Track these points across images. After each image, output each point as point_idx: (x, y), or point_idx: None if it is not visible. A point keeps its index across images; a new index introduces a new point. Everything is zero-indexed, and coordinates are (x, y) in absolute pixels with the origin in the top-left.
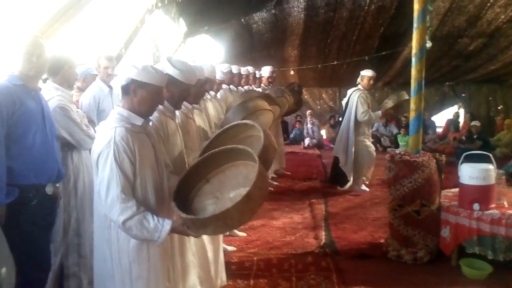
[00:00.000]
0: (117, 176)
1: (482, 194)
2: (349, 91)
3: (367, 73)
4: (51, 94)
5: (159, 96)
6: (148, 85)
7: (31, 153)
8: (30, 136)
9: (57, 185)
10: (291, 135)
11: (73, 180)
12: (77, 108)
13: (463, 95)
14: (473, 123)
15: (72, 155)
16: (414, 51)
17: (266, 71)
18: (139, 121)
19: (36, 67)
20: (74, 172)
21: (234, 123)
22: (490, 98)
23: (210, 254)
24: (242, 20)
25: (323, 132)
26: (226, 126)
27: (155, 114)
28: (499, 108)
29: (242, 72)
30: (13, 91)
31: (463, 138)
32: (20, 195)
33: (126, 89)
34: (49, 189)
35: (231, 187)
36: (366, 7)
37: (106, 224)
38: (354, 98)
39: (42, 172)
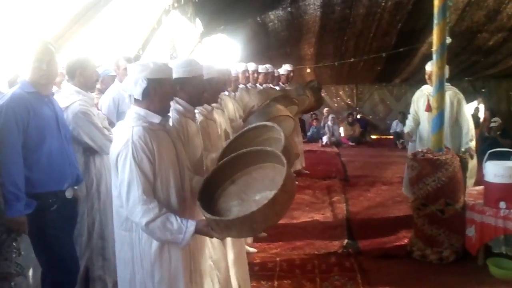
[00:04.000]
0: (137, 177)
1: (509, 192)
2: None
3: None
4: (72, 98)
5: (173, 88)
6: (165, 80)
7: (49, 161)
8: (46, 144)
9: (76, 187)
10: (308, 133)
11: (95, 184)
12: (98, 109)
13: (482, 90)
14: (493, 121)
15: (94, 159)
16: (434, 47)
17: (284, 69)
18: (157, 119)
19: (47, 75)
20: (97, 177)
21: (254, 125)
22: (511, 93)
23: (231, 257)
24: (258, 18)
25: (341, 130)
26: (245, 128)
27: (175, 115)
28: None
29: (260, 70)
30: (27, 99)
31: (486, 134)
32: (39, 202)
33: (147, 91)
34: (68, 193)
35: (257, 189)
36: (383, 3)
37: (128, 226)
38: None
39: (60, 179)
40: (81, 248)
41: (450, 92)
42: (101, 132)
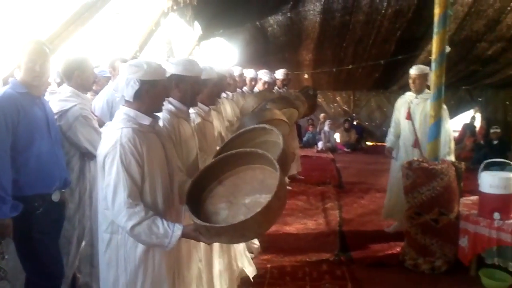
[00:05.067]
0: (124, 180)
1: (503, 203)
2: None
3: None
4: (72, 101)
5: (167, 89)
6: (158, 82)
7: (37, 163)
8: (35, 146)
9: (63, 190)
10: (304, 139)
11: (89, 190)
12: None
13: (479, 99)
14: (493, 129)
15: (90, 165)
16: (434, 56)
17: (280, 73)
18: (147, 120)
19: (40, 76)
20: (91, 183)
21: (252, 126)
22: (507, 103)
23: (217, 266)
24: (257, 23)
25: (337, 136)
26: (242, 130)
27: (167, 116)
28: None
29: (251, 76)
30: (17, 100)
31: (481, 142)
32: (25, 205)
33: (139, 93)
34: (55, 197)
35: (246, 192)
36: (383, 11)
37: (113, 229)
38: None
39: (48, 182)
40: (69, 255)
41: None
42: (101, 137)
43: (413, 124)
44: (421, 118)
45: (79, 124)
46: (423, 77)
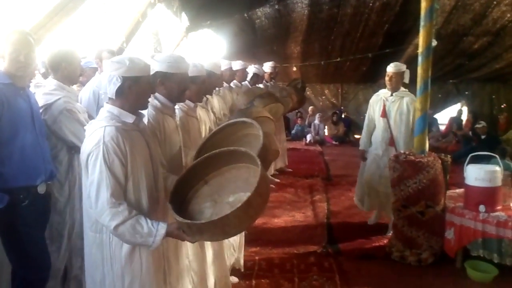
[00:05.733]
0: (107, 179)
1: (488, 196)
2: None
3: None
4: (56, 94)
5: (151, 86)
6: (142, 78)
7: (22, 155)
8: (20, 137)
9: (49, 182)
10: (293, 131)
11: (78, 182)
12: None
13: (466, 93)
14: (479, 124)
15: (78, 157)
16: (420, 49)
17: (267, 66)
18: (130, 118)
19: (24, 67)
20: (80, 175)
21: (232, 121)
22: (493, 97)
23: (209, 256)
24: (245, 15)
25: (325, 129)
26: (223, 124)
27: (152, 112)
28: (502, 106)
29: (238, 68)
30: (1, 91)
31: (469, 133)
32: (11, 197)
33: (122, 89)
34: (41, 189)
35: (230, 191)
36: (371, 4)
37: (98, 228)
38: None
39: (33, 174)
40: (60, 249)
41: (408, 98)
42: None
43: (388, 122)
44: (396, 116)
45: (63, 118)
46: (400, 75)
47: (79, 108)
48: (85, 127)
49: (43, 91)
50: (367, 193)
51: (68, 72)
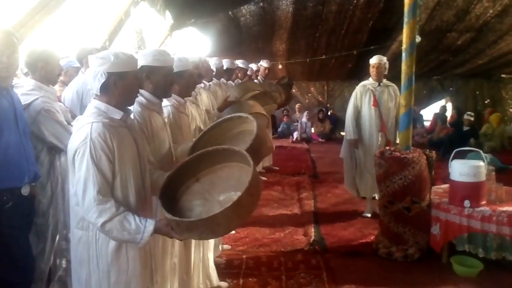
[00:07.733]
0: (93, 176)
1: (473, 191)
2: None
3: None
4: (34, 94)
5: (138, 81)
6: (127, 74)
7: (5, 156)
8: (3, 138)
9: (33, 184)
10: (279, 129)
11: (61, 183)
12: (60, 102)
13: (450, 89)
14: (467, 116)
15: (60, 157)
16: (404, 46)
17: (265, 62)
18: (118, 114)
19: (8, 67)
20: (62, 175)
21: (228, 116)
22: (477, 92)
23: (195, 257)
24: (230, 13)
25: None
26: (220, 119)
27: (138, 108)
28: (486, 102)
29: (229, 66)
30: None
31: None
32: None
33: (107, 85)
34: (25, 190)
35: (222, 189)
36: (355, 1)
37: (84, 225)
38: None
39: (17, 175)
40: (44, 251)
41: (393, 87)
42: (66, 129)
43: (379, 110)
44: (386, 104)
45: (42, 118)
46: (383, 66)
47: (58, 108)
48: (72, 123)
49: (21, 91)
50: (360, 176)
51: (46, 72)
